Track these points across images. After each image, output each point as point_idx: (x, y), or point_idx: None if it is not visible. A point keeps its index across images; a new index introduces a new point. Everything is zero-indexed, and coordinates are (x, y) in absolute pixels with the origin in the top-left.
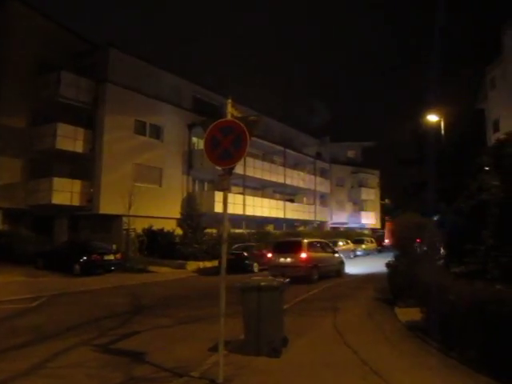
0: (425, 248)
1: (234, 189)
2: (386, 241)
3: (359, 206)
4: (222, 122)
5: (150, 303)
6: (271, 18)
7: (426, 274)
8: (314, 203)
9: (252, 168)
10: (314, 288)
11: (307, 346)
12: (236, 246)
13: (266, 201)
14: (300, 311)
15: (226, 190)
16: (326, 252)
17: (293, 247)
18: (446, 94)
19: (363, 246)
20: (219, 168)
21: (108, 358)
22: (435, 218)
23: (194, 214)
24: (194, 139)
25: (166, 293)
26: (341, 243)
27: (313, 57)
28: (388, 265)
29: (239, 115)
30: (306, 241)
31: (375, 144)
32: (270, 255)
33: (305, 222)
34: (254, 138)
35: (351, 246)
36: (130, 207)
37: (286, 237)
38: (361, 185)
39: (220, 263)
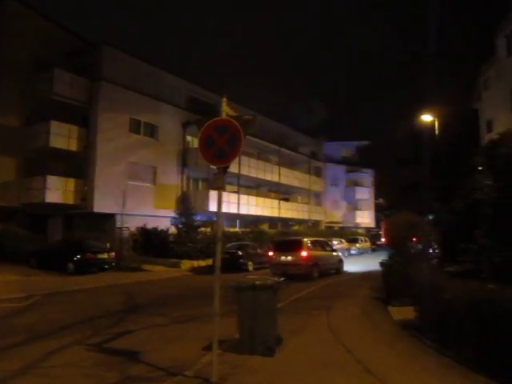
0: (419, 246)
1: (228, 187)
2: (383, 240)
3: (354, 206)
4: (217, 121)
5: (145, 302)
6: (271, 18)
7: (421, 273)
8: (309, 202)
9: (247, 167)
10: (312, 285)
11: (302, 344)
12: (230, 244)
13: (260, 200)
14: (295, 309)
15: (220, 188)
16: (325, 250)
17: (294, 246)
18: (442, 93)
19: (357, 245)
20: (214, 167)
21: (102, 357)
22: (430, 217)
23: (188, 213)
24: (189, 138)
25: (161, 292)
26: (335, 242)
27: (313, 57)
28: (382, 264)
29: (234, 114)
30: (306, 240)
31: (371, 143)
32: (271, 253)
33: (299, 221)
34: (249, 137)
35: (346, 244)
36: (124, 206)
37: (280, 236)
38: (355, 184)
39: (214, 262)
